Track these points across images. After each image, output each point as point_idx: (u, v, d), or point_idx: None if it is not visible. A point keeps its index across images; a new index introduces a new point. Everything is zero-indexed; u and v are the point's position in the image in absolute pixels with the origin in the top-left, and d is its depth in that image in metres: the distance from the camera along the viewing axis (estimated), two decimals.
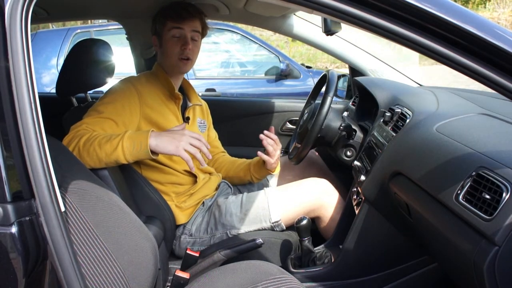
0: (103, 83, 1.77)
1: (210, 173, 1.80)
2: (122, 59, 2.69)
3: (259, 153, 1.65)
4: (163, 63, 1.68)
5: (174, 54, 1.62)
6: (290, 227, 1.68)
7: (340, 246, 1.58)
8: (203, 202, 1.71)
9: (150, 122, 1.57)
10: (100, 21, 4.64)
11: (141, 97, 1.56)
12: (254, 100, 2.77)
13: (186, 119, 1.73)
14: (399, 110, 1.55)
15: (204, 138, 1.77)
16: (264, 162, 1.70)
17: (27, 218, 0.77)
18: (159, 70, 1.68)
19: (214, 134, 1.94)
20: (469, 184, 0.97)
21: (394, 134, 1.46)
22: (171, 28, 1.61)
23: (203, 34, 1.71)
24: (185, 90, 1.79)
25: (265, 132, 1.65)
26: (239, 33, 4.77)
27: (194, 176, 1.69)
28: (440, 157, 1.12)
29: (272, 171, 1.74)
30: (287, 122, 2.38)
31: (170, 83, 1.65)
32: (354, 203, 1.64)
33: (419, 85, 2.10)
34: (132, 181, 1.57)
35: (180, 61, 1.63)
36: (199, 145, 1.35)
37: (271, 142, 1.64)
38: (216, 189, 1.78)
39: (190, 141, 1.34)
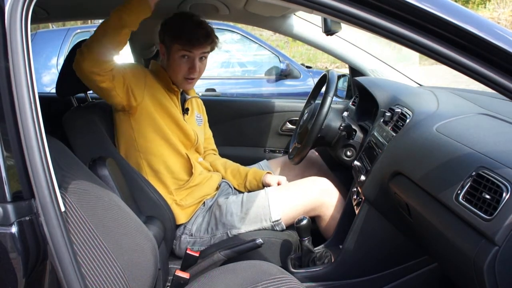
0: None
1: (209, 171, 1.82)
2: (122, 59, 2.69)
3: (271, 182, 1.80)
4: (167, 72, 1.72)
5: (180, 73, 1.67)
6: (290, 227, 1.68)
7: (340, 246, 1.58)
8: (204, 202, 1.72)
9: (155, 101, 1.63)
10: (100, 21, 4.63)
11: (147, 80, 1.63)
12: (254, 100, 2.77)
13: (185, 110, 1.77)
14: (399, 110, 1.55)
15: (201, 131, 1.81)
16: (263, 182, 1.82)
17: (27, 218, 0.77)
18: (158, 67, 1.74)
19: (209, 132, 1.99)
20: (469, 184, 0.97)
21: (394, 134, 1.46)
22: (180, 50, 1.63)
23: (212, 49, 1.73)
24: None
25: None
26: (239, 33, 4.76)
27: (190, 164, 1.69)
28: (440, 157, 1.12)
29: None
30: (287, 122, 2.38)
31: (168, 78, 1.71)
32: (354, 203, 1.64)
33: (419, 85, 2.10)
34: (132, 181, 1.57)
35: (185, 80, 1.69)
36: None
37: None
38: (217, 188, 1.79)
39: None
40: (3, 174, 0.76)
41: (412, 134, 1.34)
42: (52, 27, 5.23)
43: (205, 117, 1.96)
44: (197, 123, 1.85)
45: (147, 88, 1.61)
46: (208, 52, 1.70)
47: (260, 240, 1.45)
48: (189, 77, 1.68)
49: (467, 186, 0.97)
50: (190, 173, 1.70)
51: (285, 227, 1.66)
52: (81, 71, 1.42)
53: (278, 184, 1.79)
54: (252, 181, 1.85)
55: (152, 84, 1.65)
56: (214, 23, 1.76)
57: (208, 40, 1.66)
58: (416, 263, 1.52)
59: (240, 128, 2.40)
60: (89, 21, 5.49)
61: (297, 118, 2.22)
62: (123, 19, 1.37)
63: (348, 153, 1.82)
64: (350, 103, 2.19)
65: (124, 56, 2.74)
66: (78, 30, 4.48)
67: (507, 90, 0.78)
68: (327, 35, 1.22)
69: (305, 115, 1.93)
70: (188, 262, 1.47)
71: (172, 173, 1.67)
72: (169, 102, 1.67)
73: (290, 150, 2.01)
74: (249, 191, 1.82)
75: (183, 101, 1.79)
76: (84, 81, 1.46)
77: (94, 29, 1.46)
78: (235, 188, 1.88)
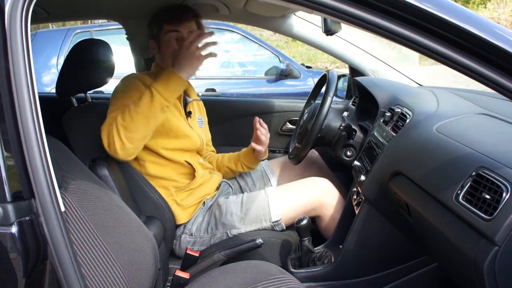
0: (103, 83, 1.77)
1: (209, 170, 1.82)
2: (122, 59, 2.69)
3: (253, 144, 1.78)
4: (163, 65, 1.70)
5: (172, 53, 1.63)
6: (290, 227, 1.68)
7: (340, 246, 1.58)
8: (204, 202, 1.72)
9: None
10: (100, 21, 4.64)
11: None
12: (254, 100, 2.77)
13: (188, 113, 1.76)
14: (399, 110, 1.55)
15: (203, 133, 1.82)
16: (254, 150, 1.82)
17: (27, 218, 0.77)
18: (159, 69, 1.71)
19: (209, 134, 1.99)
20: (469, 184, 0.97)
21: (394, 134, 1.46)
22: (168, 31, 1.64)
23: (200, 28, 1.73)
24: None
25: (260, 120, 1.77)
26: (239, 33, 4.76)
27: (193, 169, 1.69)
28: (440, 157, 1.12)
29: (261, 159, 1.86)
30: (287, 122, 2.38)
31: None
32: (354, 203, 1.64)
33: (419, 85, 2.10)
34: (132, 181, 1.57)
35: None
36: (200, 38, 1.48)
37: (264, 132, 1.77)
38: (217, 188, 1.79)
39: (194, 47, 1.47)
40: (3, 174, 0.77)
41: (412, 134, 1.34)
42: (52, 27, 5.23)
43: (205, 119, 1.96)
44: (199, 125, 1.84)
45: None
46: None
47: (260, 240, 1.45)
48: None
49: (467, 186, 0.97)
50: (192, 177, 1.69)
51: (285, 227, 1.66)
52: (117, 157, 1.44)
53: (263, 145, 1.78)
54: (244, 153, 1.88)
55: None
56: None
57: (193, 17, 1.69)
58: (416, 263, 1.52)
59: (240, 128, 2.40)
60: (89, 21, 5.49)
61: (297, 118, 2.22)
62: (165, 105, 1.44)
63: (348, 153, 1.82)
64: (350, 103, 2.19)
65: (124, 56, 2.75)
66: (78, 30, 4.48)
67: (507, 90, 0.78)
68: (327, 35, 1.22)
69: (305, 115, 1.93)
70: (188, 262, 1.47)
71: (171, 179, 1.67)
72: (171, 111, 1.65)
73: (290, 150, 2.01)
74: (247, 168, 1.86)
75: (185, 104, 1.78)
76: None
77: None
78: (236, 184, 1.88)
